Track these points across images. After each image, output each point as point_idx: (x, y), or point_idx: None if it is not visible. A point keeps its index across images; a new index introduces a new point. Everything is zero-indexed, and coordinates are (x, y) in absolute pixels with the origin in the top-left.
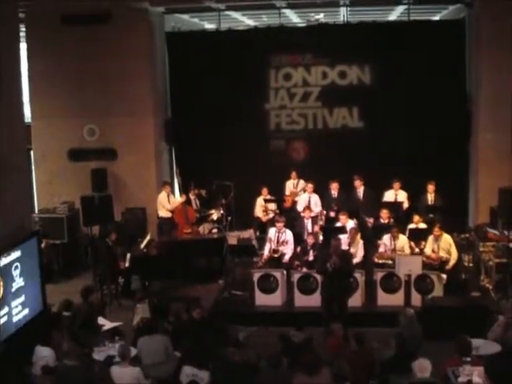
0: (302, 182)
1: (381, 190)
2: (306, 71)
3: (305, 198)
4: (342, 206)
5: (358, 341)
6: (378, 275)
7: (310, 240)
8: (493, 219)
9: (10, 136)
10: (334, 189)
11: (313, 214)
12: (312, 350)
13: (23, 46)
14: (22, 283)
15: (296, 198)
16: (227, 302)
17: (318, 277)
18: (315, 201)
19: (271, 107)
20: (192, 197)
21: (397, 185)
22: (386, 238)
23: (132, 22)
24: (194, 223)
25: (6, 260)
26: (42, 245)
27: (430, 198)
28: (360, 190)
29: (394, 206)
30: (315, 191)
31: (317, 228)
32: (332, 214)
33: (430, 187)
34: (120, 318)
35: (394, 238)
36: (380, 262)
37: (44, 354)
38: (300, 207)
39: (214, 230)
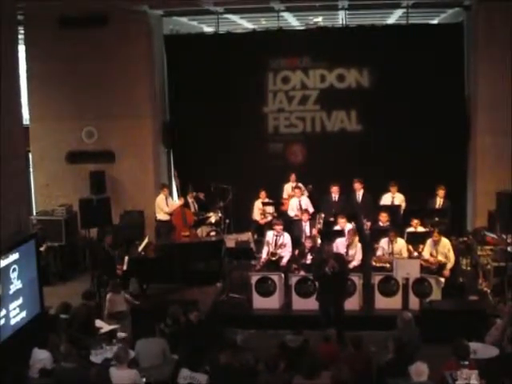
0: (300, 185)
1: (379, 193)
2: (305, 74)
3: (295, 202)
4: (342, 210)
5: (354, 344)
6: (376, 279)
7: (308, 243)
8: (491, 223)
9: (8, 138)
10: (335, 192)
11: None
12: (311, 353)
13: (21, 48)
14: (20, 285)
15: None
16: (225, 304)
17: None
18: (305, 204)
19: (269, 110)
20: (190, 200)
21: (394, 188)
22: (384, 242)
23: (130, 24)
24: (192, 226)
25: (3, 262)
26: (42, 248)
27: (439, 201)
28: (359, 194)
29: (392, 209)
30: (310, 194)
31: (314, 231)
32: (332, 218)
33: (441, 192)
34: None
35: (392, 241)
36: (378, 265)
37: (41, 357)
38: (291, 212)
39: (212, 233)
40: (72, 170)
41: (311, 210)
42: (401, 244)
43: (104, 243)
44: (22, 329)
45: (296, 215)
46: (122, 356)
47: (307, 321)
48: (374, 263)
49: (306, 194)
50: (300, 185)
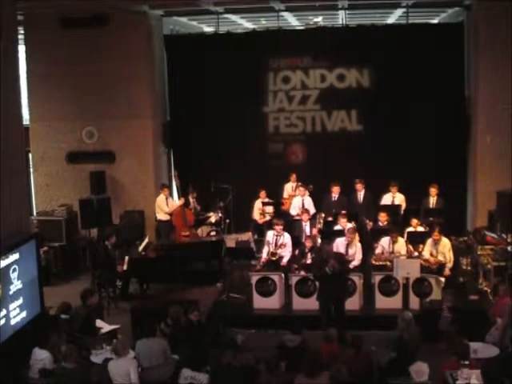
0: (300, 184)
1: (379, 193)
2: (305, 74)
3: (298, 201)
4: (342, 210)
5: (354, 344)
6: (376, 278)
7: (308, 243)
8: (491, 223)
9: (8, 138)
10: (335, 192)
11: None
12: (312, 352)
13: (22, 49)
14: (20, 286)
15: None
16: (225, 304)
17: None
18: (308, 203)
19: (270, 110)
20: (191, 200)
21: (394, 188)
22: (385, 241)
23: (130, 24)
24: (192, 226)
25: (3, 262)
26: (44, 249)
27: (432, 201)
28: (361, 194)
29: (392, 209)
30: (310, 194)
31: (315, 231)
32: (331, 218)
33: (433, 190)
34: (118, 320)
35: (394, 242)
36: (377, 264)
37: (41, 357)
38: (294, 211)
39: (213, 233)
40: (72, 170)
41: (313, 210)
42: (401, 244)
43: (107, 243)
44: (23, 329)
45: (298, 214)
46: (119, 349)
47: (307, 321)
48: (373, 262)
49: (307, 193)
50: (300, 184)
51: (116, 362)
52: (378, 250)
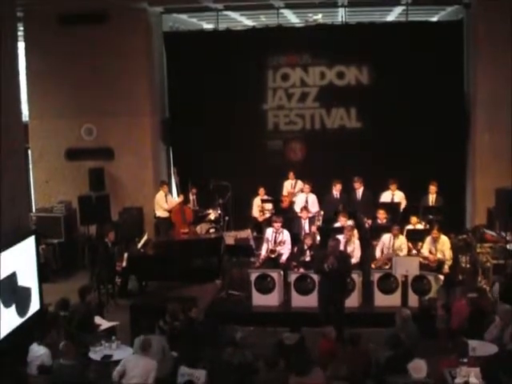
0: (299, 182)
1: (378, 190)
2: (304, 71)
3: (302, 198)
4: (343, 207)
5: (352, 341)
6: (375, 276)
7: (307, 240)
8: (490, 220)
9: (7, 135)
10: (337, 190)
11: (310, 215)
12: (303, 351)
13: (21, 45)
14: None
15: (293, 199)
16: (224, 302)
17: (315, 277)
18: (312, 201)
19: (269, 107)
20: (192, 197)
21: (393, 185)
22: (386, 237)
23: (130, 21)
24: (192, 223)
25: (2, 258)
26: (42, 246)
27: (431, 198)
28: (359, 191)
29: (391, 207)
30: (312, 191)
31: (314, 228)
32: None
33: (432, 188)
34: (117, 317)
35: (395, 236)
36: (377, 266)
37: (39, 353)
38: (297, 207)
39: (212, 230)
40: (71, 167)
41: (317, 207)
42: (402, 240)
43: (106, 239)
44: (21, 326)
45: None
46: (146, 346)
47: (306, 318)
48: (373, 266)
49: (306, 190)
50: (300, 182)
51: (138, 358)
52: (378, 248)
